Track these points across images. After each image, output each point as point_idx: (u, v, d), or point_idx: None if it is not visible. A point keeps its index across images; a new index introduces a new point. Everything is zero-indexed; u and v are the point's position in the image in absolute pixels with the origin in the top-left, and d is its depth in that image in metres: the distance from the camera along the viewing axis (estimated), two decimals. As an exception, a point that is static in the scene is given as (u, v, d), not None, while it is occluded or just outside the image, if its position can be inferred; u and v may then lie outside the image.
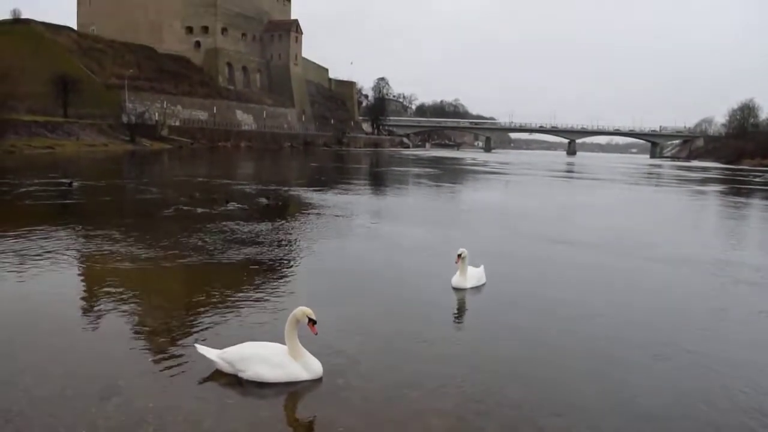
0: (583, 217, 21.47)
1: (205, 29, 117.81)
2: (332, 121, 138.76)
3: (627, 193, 34.83)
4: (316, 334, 5.68)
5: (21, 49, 76.44)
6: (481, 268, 9.70)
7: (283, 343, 5.71)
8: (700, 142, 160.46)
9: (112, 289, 8.59)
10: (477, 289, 9.29)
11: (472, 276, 9.32)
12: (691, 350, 6.89)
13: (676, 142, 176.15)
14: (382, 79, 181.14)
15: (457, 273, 9.21)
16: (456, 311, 8.41)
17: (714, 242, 16.40)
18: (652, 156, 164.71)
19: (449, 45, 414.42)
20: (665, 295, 9.67)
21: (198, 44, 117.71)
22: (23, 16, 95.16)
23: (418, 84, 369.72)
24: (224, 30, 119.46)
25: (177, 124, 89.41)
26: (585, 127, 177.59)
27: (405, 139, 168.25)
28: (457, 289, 9.13)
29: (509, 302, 8.74)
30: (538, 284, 9.96)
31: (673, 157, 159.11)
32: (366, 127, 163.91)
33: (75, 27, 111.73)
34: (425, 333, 7.15)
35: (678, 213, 25.17)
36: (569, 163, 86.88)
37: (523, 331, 7.36)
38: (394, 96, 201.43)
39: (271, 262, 10.79)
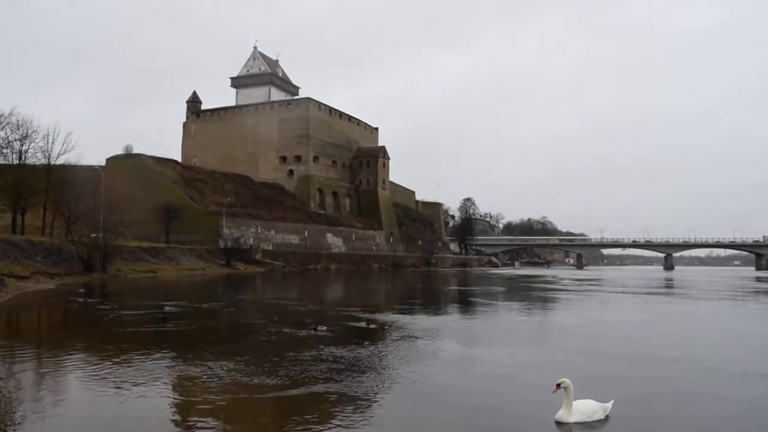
0: (706, 341, 19.44)
1: (298, 158, 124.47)
2: (420, 242, 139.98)
3: (741, 308, 32.33)
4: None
5: (131, 181, 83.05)
6: (609, 404, 8.73)
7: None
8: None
9: (204, 420, 8.54)
10: (587, 425, 8.31)
11: (579, 410, 8.39)
12: None
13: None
14: (468, 199, 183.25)
15: (563, 406, 8.44)
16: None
17: None
18: (758, 268, 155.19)
19: (536, 166, 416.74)
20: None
21: (291, 172, 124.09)
22: (134, 151, 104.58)
23: (504, 202, 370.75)
24: (316, 158, 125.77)
25: (270, 248, 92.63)
26: (682, 239, 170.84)
27: (493, 258, 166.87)
28: (559, 424, 8.31)
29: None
30: (669, 423, 8.66)
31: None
32: (453, 246, 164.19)
33: (179, 159, 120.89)
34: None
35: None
36: (667, 279, 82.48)
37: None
38: (480, 215, 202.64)
39: (357, 392, 10.45)
